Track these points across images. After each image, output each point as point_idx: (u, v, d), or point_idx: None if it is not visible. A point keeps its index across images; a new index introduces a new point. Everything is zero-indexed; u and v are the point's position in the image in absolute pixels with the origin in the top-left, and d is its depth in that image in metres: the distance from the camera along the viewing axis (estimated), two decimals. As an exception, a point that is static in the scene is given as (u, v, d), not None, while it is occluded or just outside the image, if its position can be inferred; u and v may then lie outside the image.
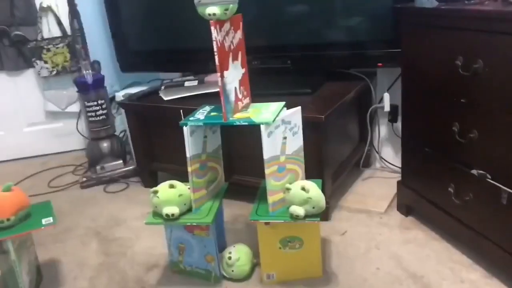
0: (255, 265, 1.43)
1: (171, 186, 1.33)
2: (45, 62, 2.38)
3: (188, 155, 1.30)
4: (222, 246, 1.47)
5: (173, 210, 1.31)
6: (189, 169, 1.31)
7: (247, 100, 1.38)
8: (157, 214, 1.35)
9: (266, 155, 1.26)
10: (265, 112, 1.30)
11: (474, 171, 1.28)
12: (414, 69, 1.47)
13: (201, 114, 1.35)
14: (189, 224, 1.34)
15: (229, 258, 1.37)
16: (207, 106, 1.42)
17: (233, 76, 1.29)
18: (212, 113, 1.35)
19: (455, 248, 1.47)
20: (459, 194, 1.37)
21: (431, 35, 1.36)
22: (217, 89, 1.25)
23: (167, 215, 1.31)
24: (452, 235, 1.49)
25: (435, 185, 1.48)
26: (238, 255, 1.38)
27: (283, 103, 1.37)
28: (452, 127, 1.33)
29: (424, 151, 1.49)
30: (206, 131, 1.37)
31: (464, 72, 1.24)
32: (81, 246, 1.68)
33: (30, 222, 1.33)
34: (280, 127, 1.29)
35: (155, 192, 1.32)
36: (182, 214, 1.34)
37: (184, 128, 1.28)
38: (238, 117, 1.29)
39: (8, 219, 1.27)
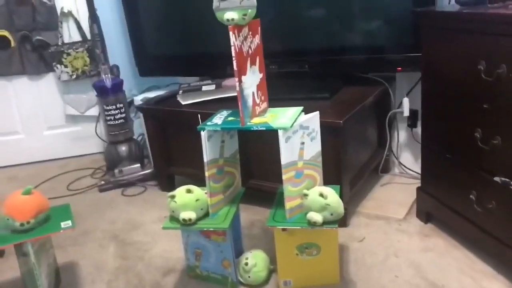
0: (271, 271, 1.42)
1: (188, 191, 1.33)
2: (65, 66, 2.42)
3: (205, 159, 1.30)
4: (239, 252, 1.47)
5: (190, 215, 1.31)
6: (207, 173, 1.31)
7: (264, 105, 1.38)
8: (174, 218, 1.35)
9: (284, 160, 1.25)
10: (283, 117, 1.29)
11: (497, 178, 1.25)
12: (435, 74, 1.45)
13: (218, 118, 1.35)
14: (205, 229, 1.34)
15: (246, 264, 1.37)
16: (224, 111, 1.41)
17: (251, 81, 1.29)
18: (230, 118, 1.34)
19: (476, 256, 1.43)
20: (481, 202, 1.34)
21: (453, 39, 1.34)
22: (235, 94, 1.25)
23: (184, 220, 1.31)
24: (474, 243, 1.46)
25: (456, 191, 1.45)
26: (254, 261, 1.37)
27: (301, 108, 1.36)
28: (474, 133, 1.30)
29: (445, 157, 1.46)
30: (224, 136, 1.37)
31: (487, 77, 1.21)
32: (99, 249, 1.70)
33: (49, 225, 1.35)
34: (298, 132, 1.28)
35: (172, 196, 1.32)
36: (199, 219, 1.34)
37: (202, 133, 1.28)
38: (256, 122, 1.29)
39: (28, 222, 1.29)
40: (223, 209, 1.38)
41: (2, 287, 1.49)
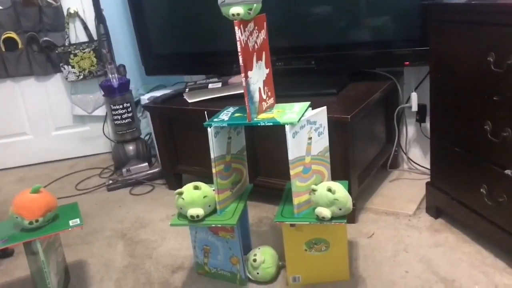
0: (280, 267, 1.42)
1: (196, 188, 1.33)
2: (72, 66, 2.43)
3: (212, 156, 1.29)
4: (247, 248, 1.46)
5: (198, 211, 1.31)
6: (214, 170, 1.30)
7: (271, 101, 1.37)
8: (182, 215, 1.35)
9: (291, 155, 1.24)
10: (290, 112, 1.29)
11: (508, 171, 1.24)
12: (443, 67, 1.43)
13: (225, 115, 1.35)
14: (213, 225, 1.34)
15: (254, 260, 1.36)
16: (231, 108, 1.41)
17: (257, 76, 1.28)
18: (236, 114, 1.34)
19: (488, 251, 1.42)
20: (492, 195, 1.32)
21: (461, 31, 1.32)
22: (241, 91, 1.24)
23: (191, 216, 1.31)
24: (485, 237, 1.44)
25: (466, 186, 1.43)
26: (263, 257, 1.37)
27: (308, 103, 1.36)
28: (484, 125, 1.28)
29: (454, 151, 1.44)
30: (230, 132, 1.36)
31: (497, 68, 1.20)
32: (107, 247, 1.70)
33: (58, 224, 1.35)
34: (305, 128, 1.27)
35: (180, 193, 1.32)
36: (206, 215, 1.33)
37: (209, 129, 1.28)
38: (263, 118, 1.28)
39: (36, 220, 1.29)
40: (231, 205, 1.38)
41: (12, 286, 1.49)
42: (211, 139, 1.28)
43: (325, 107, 1.34)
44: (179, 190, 1.33)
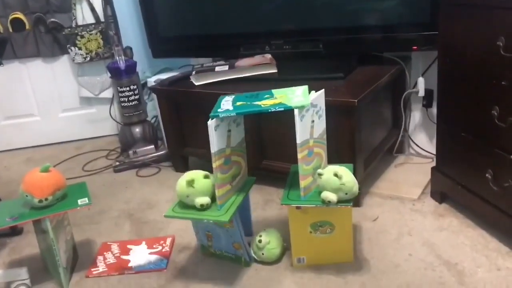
0: (285, 249, 1.44)
1: (206, 177, 1.32)
2: (79, 48, 2.43)
3: (213, 150, 1.25)
4: (248, 233, 1.48)
5: (206, 200, 1.30)
6: (214, 165, 1.27)
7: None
8: (180, 204, 1.34)
9: (299, 139, 1.23)
10: (295, 96, 1.28)
11: (514, 157, 1.24)
12: (452, 52, 1.43)
13: (226, 105, 1.30)
14: (205, 220, 1.32)
15: (259, 241, 1.38)
16: (226, 97, 1.36)
17: None
18: (238, 103, 1.30)
19: (491, 235, 1.43)
20: (498, 181, 1.32)
21: (471, 15, 1.31)
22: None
23: (201, 205, 1.30)
24: (489, 222, 1.45)
25: (471, 171, 1.44)
26: (268, 238, 1.38)
27: (306, 86, 1.34)
28: (491, 110, 1.28)
29: (461, 136, 1.44)
30: (230, 125, 1.33)
31: (506, 53, 1.19)
32: (115, 227, 1.72)
33: (67, 202, 1.37)
34: (310, 111, 1.27)
35: (191, 181, 1.30)
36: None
37: (209, 123, 1.23)
38: (270, 103, 1.26)
39: (46, 199, 1.31)
40: (230, 199, 1.35)
41: (21, 263, 1.52)
42: (212, 132, 1.24)
43: (323, 90, 1.34)
44: (189, 177, 1.31)
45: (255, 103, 1.28)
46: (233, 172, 1.37)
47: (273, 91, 1.36)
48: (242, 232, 1.36)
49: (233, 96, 1.36)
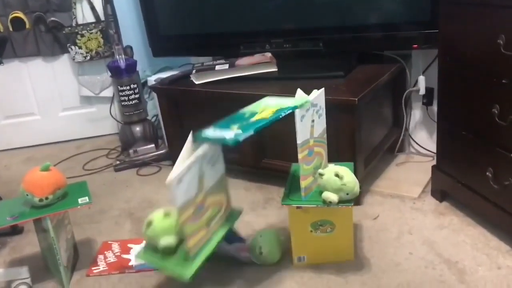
0: (283, 244, 1.42)
1: (167, 215, 1.24)
2: (79, 47, 2.43)
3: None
4: (239, 240, 1.45)
5: (169, 240, 1.21)
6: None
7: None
8: (150, 247, 1.27)
9: (300, 139, 1.23)
10: (289, 100, 1.26)
11: (514, 155, 1.24)
12: (452, 50, 1.42)
13: (222, 133, 1.22)
14: (170, 272, 1.24)
15: (260, 253, 1.36)
16: (206, 131, 1.30)
17: None
18: (244, 122, 1.23)
19: (492, 234, 1.43)
20: (498, 179, 1.32)
21: (471, 14, 1.31)
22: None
23: (164, 247, 1.21)
24: (489, 221, 1.45)
25: (472, 169, 1.44)
26: (268, 248, 1.37)
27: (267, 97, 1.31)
28: (492, 109, 1.28)
29: (461, 135, 1.44)
30: (203, 167, 1.22)
31: (507, 51, 1.19)
32: (115, 226, 1.73)
33: (67, 201, 1.37)
34: (310, 110, 1.27)
35: (149, 224, 1.23)
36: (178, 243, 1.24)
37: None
38: (273, 111, 1.23)
39: (46, 198, 1.31)
40: (203, 247, 1.23)
41: (22, 262, 1.52)
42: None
43: (323, 89, 1.34)
44: (147, 220, 1.24)
45: (253, 119, 1.23)
46: (209, 215, 1.25)
47: (244, 110, 1.31)
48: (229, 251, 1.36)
49: (212, 128, 1.29)
